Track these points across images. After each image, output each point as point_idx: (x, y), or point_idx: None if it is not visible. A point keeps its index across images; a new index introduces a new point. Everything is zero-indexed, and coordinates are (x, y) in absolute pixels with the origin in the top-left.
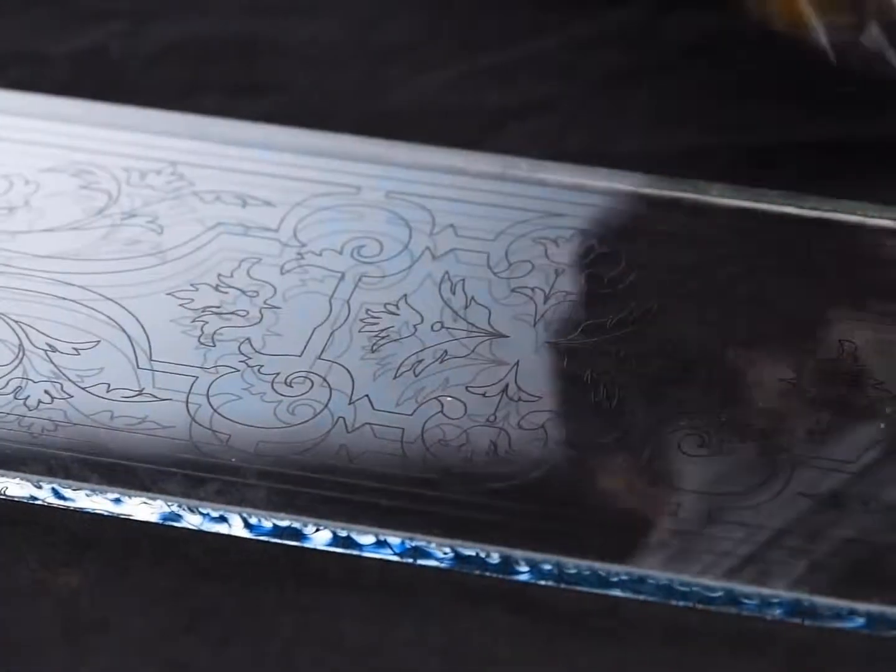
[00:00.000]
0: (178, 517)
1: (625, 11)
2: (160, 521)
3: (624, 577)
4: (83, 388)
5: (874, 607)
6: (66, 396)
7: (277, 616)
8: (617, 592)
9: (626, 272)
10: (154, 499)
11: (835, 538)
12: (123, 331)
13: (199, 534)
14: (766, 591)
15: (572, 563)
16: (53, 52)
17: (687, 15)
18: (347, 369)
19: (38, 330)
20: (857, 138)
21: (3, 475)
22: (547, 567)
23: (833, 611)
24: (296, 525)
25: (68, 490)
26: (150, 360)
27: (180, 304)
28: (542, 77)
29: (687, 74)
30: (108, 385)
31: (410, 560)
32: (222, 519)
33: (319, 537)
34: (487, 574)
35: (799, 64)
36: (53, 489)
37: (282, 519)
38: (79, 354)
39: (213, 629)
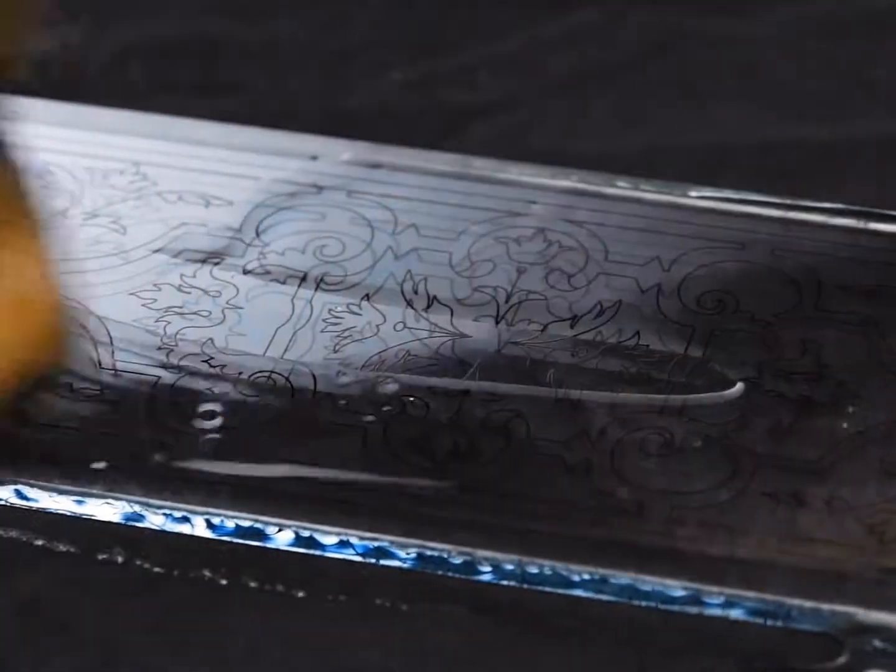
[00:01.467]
0: (140, 517)
1: (586, 11)
2: (122, 522)
3: (586, 578)
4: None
5: (838, 608)
6: None
7: (240, 616)
8: (579, 593)
9: (588, 271)
10: (116, 499)
11: (798, 538)
12: (86, 330)
13: (161, 534)
14: (728, 591)
15: (534, 564)
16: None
17: (648, 15)
18: (310, 369)
19: None
20: (818, 138)
21: None
22: (509, 567)
23: (796, 611)
24: (258, 525)
25: (31, 490)
26: (113, 359)
27: (143, 305)
28: (503, 76)
29: (648, 74)
30: (71, 384)
31: (373, 560)
32: (185, 519)
33: (282, 537)
34: (450, 574)
35: (759, 65)
36: (16, 490)
37: (244, 519)
38: None
39: (175, 630)
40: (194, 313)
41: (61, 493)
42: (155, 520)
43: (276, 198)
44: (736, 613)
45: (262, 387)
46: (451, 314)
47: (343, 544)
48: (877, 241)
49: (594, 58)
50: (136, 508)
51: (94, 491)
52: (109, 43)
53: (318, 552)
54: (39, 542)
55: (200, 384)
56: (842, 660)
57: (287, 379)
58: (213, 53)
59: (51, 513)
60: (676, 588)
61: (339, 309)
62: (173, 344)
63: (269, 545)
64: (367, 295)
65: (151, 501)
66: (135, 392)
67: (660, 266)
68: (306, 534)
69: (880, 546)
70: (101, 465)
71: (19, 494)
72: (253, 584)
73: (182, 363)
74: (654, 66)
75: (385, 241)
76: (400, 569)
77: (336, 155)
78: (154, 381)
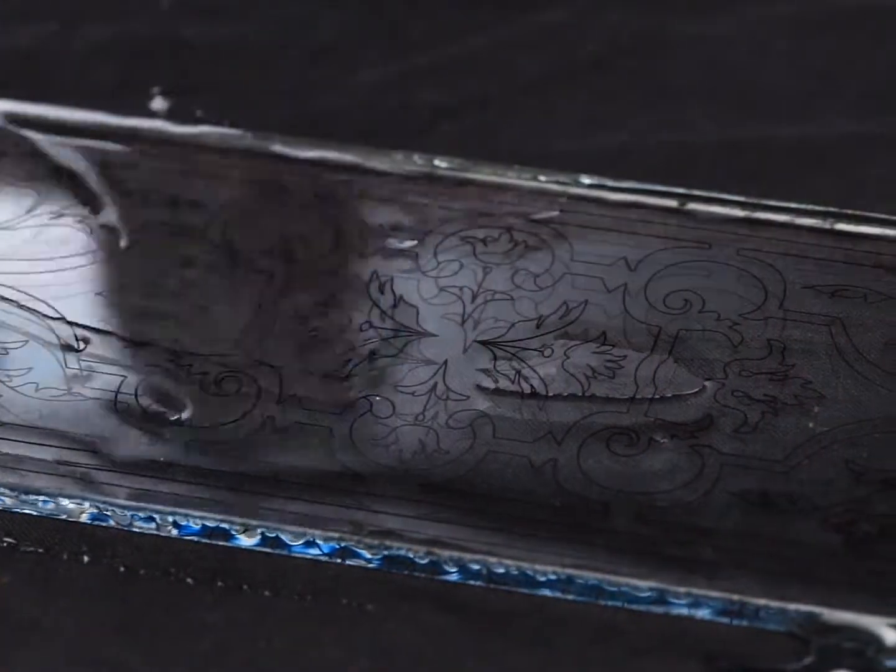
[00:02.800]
0: (106, 517)
1: (555, 12)
2: (90, 521)
3: (552, 577)
4: (11, 388)
5: (804, 608)
6: None
7: (207, 616)
8: (546, 592)
9: (554, 271)
10: (83, 498)
11: (764, 538)
12: (52, 331)
13: (128, 534)
14: (694, 590)
15: (500, 564)
16: None
17: (618, 14)
18: (276, 369)
19: None
20: (784, 138)
21: None
22: (475, 567)
23: (762, 611)
24: (224, 525)
25: None
26: (79, 359)
27: (110, 304)
28: (472, 77)
29: (617, 74)
30: (37, 384)
31: (339, 560)
32: (151, 519)
33: (248, 538)
34: (416, 574)
35: (727, 65)
36: None
37: (210, 519)
38: (7, 354)
39: (143, 629)
40: (161, 313)
41: (28, 492)
42: (121, 520)
43: (244, 198)
44: (702, 613)
45: (229, 387)
46: (417, 314)
47: (309, 544)
48: (842, 241)
49: (563, 58)
50: (102, 508)
51: (61, 490)
52: (79, 43)
53: (284, 552)
54: (6, 542)
55: (167, 384)
56: (808, 660)
57: (254, 379)
58: (182, 54)
59: (17, 513)
60: (642, 588)
61: (305, 309)
62: (140, 344)
63: (235, 545)
64: (333, 295)
65: (118, 501)
66: (102, 391)
67: (626, 266)
68: (272, 534)
69: (846, 546)
70: (68, 464)
71: None
72: (219, 584)
73: (149, 363)
74: (622, 67)
75: (352, 241)
76: (366, 569)
77: (305, 155)
78: (120, 381)
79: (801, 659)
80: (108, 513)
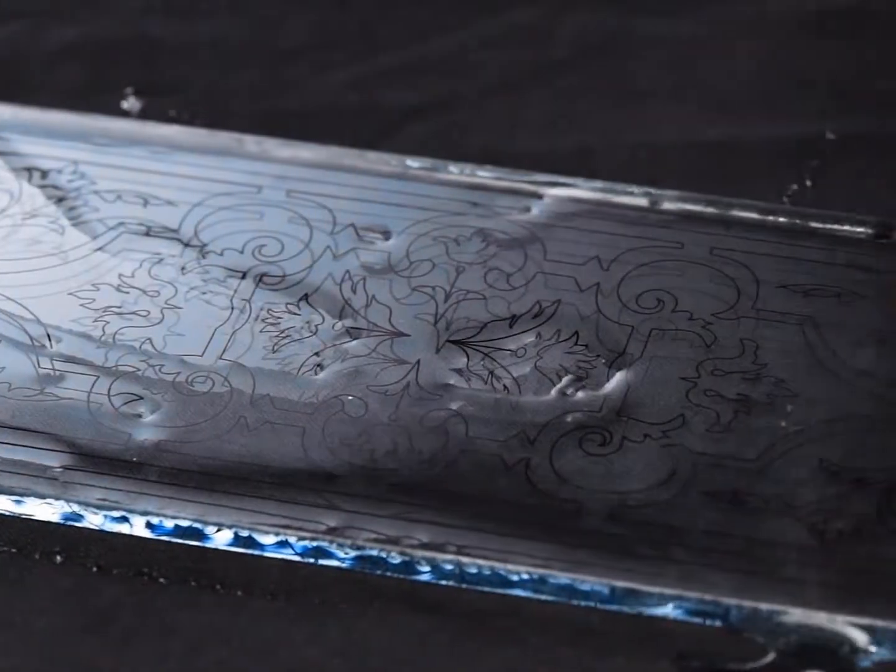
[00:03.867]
0: (79, 517)
1: (524, 12)
2: (62, 521)
3: (525, 577)
4: None
5: (777, 608)
6: None
7: (179, 616)
8: (518, 592)
9: (526, 270)
10: (56, 498)
11: (736, 537)
12: (25, 330)
13: (100, 534)
14: (666, 590)
15: (473, 563)
16: None
17: (585, 15)
18: (248, 369)
19: None
20: (755, 138)
21: None
22: (448, 567)
23: (734, 611)
24: (197, 525)
25: None
26: (52, 359)
27: (81, 304)
28: (441, 77)
29: (585, 74)
30: (10, 384)
31: (312, 560)
32: (124, 519)
33: (221, 537)
34: (389, 574)
35: (695, 65)
36: None
37: (183, 519)
38: None
39: (115, 629)
40: (133, 313)
41: (0, 492)
42: (94, 520)
43: (215, 197)
44: (674, 613)
45: (202, 387)
46: (390, 314)
47: (282, 544)
48: (814, 240)
49: (530, 58)
50: (75, 508)
51: (33, 490)
52: (50, 43)
53: (256, 552)
54: None
55: (139, 384)
56: (779, 660)
57: (226, 379)
58: (152, 54)
59: None
60: (615, 587)
61: (277, 309)
62: (112, 344)
63: (208, 545)
64: (305, 295)
65: (90, 501)
66: (74, 391)
67: (599, 265)
68: (245, 534)
69: (819, 545)
70: (41, 464)
71: None
72: (192, 584)
73: (121, 364)
74: (589, 67)
75: (324, 240)
76: (339, 568)
77: (275, 155)
78: (93, 381)
79: (773, 659)
80: (81, 513)
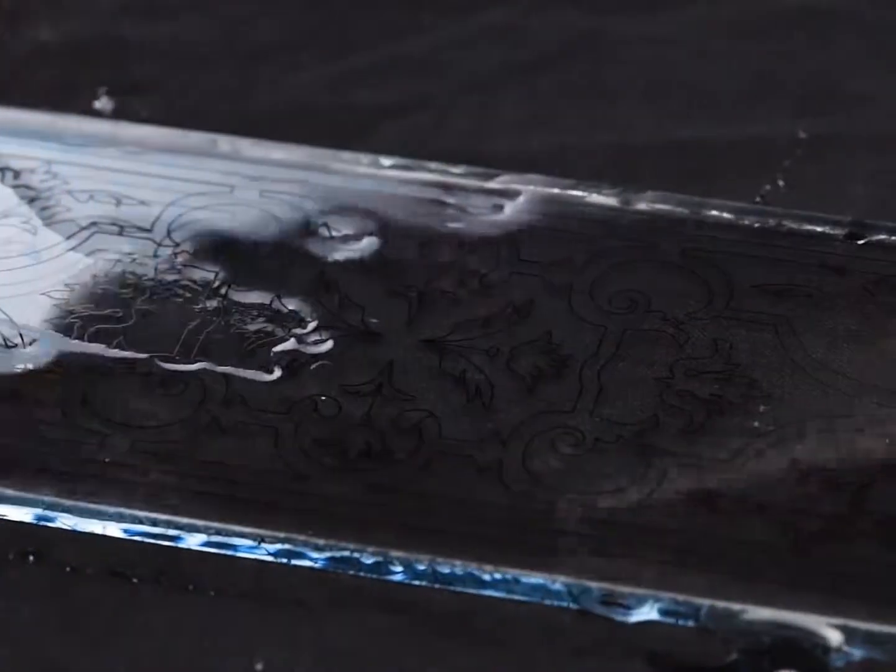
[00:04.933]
0: (52, 517)
1: (498, 11)
2: (35, 522)
3: (498, 577)
4: None
5: (751, 608)
6: None
7: (152, 616)
8: (492, 592)
9: (500, 269)
10: (28, 499)
11: (709, 537)
12: None
13: (73, 534)
14: (639, 591)
15: (446, 564)
16: None
17: (559, 15)
18: (222, 369)
19: None
20: (728, 138)
21: None
22: (421, 567)
23: (706, 611)
24: (170, 525)
25: None
26: (25, 360)
27: (55, 304)
28: (414, 76)
29: (560, 74)
30: None
31: (285, 560)
32: (96, 519)
33: (194, 538)
34: (361, 574)
35: (668, 66)
36: None
37: (156, 519)
38: None
39: (88, 629)
40: (106, 313)
41: None
42: (67, 520)
43: (188, 197)
44: (647, 613)
45: (174, 387)
46: (363, 313)
47: (255, 545)
48: (787, 240)
49: (504, 58)
50: (48, 508)
51: (6, 491)
52: (22, 44)
53: (229, 552)
54: None
55: (112, 384)
56: (753, 660)
57: (199, 380)
58: (124, 54)
59: None
60: (588, 587)
61: (251, 308)
62: (83, 343)
63: (180, 545)
64: (278, 294)
65: (63, 502)
66: (47, 393)
67: (572, 265)
68: (218, 534)
69: (792, 545)
70: (14, 465)
71: None
72: (164, 584)
73: (94, 363)
74: (563, 67)
75: (297, 240)
76: (311, 569)
77: (248, 155)
78: (66, 382)
79: (746, 659)
80: (54, 513)
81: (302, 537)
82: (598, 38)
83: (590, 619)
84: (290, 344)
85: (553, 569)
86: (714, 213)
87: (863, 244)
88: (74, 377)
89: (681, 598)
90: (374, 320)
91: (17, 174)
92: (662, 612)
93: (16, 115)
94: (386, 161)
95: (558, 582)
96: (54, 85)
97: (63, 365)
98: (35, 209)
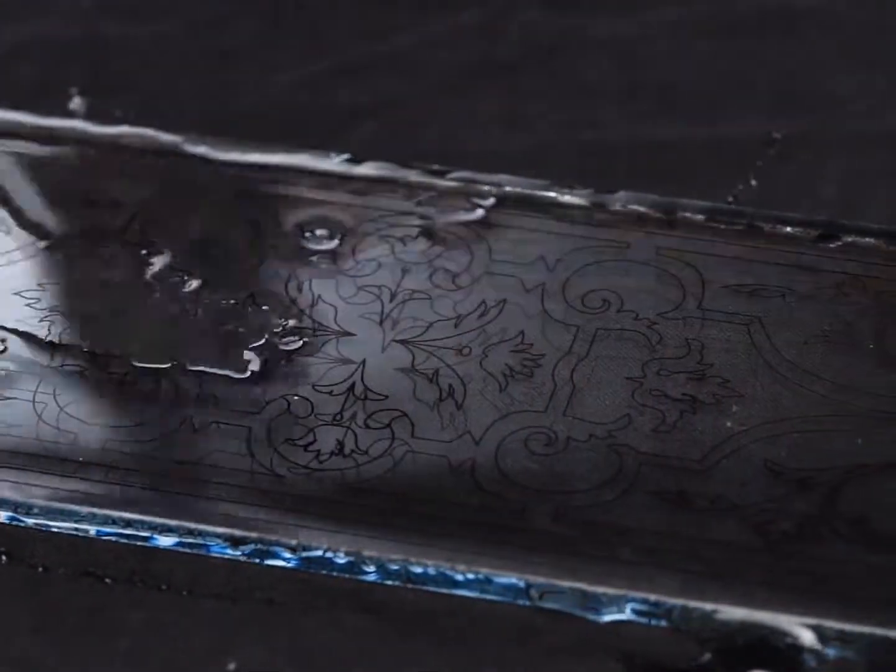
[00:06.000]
0: (25, 517)
1: (475, 11)
2: (6, 521)
3: (470, 578)
4: None
5: (723, 608)
6: None
7: (126, 616)
8: (464, 592)
9: (472, 270)
10: (1, 499)
11: (682, 537)
12: None
13: (46, 533)
14: (612, 591)
15: (419, 564)
16: None
17: (535, 16)
18: (195, 369)
19: None
20: (701, 138)
21: None
22: (394, 567)
23: (679, 611)
24: (143, 524)
25: None
26: None
27: (27, 304)
28: (392, 76)
29: (536, 74)
30: None
31: (257, 560)
32: (69, 519)
33: (166, 537)
34: (335, 574)
35: (642, 66)
36: None
37: (128, 519)
38: None
39: (61, 629)
40: (80, 313)
41: None
42: (39, 519)
43: (163, 197)
44: (620, 613)
45: (147, 387)
46: (336, 313)
47: (227, 544)
48: (759, 240)
49: (480, 57)
50: (21, 508)
51: None
52: None
53: (202, 552)
54: None
55: (85, 385)
56: (726, 659)
57: (172, 379)
58: (100, 55)
59: None
60: (560, 587)
61: (224, 308)
62: (58, 344)
63: (153, 545)
64: (252, 294)
65: (36, 501)
66: (20, 392)
67: (544, 265)
68: (191, 534)
69: (765, 545)
70: None
71: None
72: (138, 584)
73: (67, 364)
74: (539, 66)
75: (271, 240)
76: (284, 568)
77: (224, 155)
78: (38, 382)
79: (720, 659)
80: (27, 513)
81: (274, 537)
82: (572, 38)
83: (563, 619)
84: (263, 343)
85: (525, 569)
86: (687, 213)
87: (835, 244)
88: (48, 376)
89: (654, 598)
90: (347, 319)
91: None
92: (636, 612)
93: None
94: (360, 161)
95: (531, 582)
96: (29, 86)
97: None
98: (8, 210)
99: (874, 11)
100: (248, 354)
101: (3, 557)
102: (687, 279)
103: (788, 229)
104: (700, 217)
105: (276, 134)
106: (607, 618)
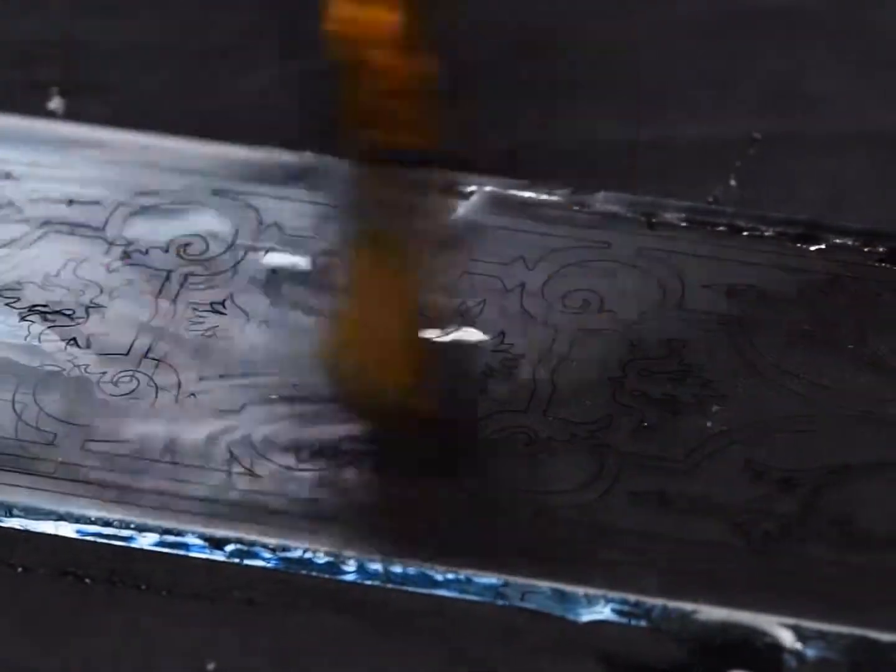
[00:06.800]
0: (3, 518)
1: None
2: None
3: (450, 578)
4: None
5: (703, 608)
6: None
7: (106, 616)
8: (443, 592)
9: (453, 269)
10: None
11: (663, 537)
12: None
13: (26, 534)
14: (592, 591)
15: (399, 563)
16: None
17: (514, 14)
18: (174, 368)
19: None
20: (683, 138)
21: None
22: (374, 567)
23: (659, 611)
24: (122, 524)
25: None
26: None
27: (6, 304)
28: None
29: (509, 76)
30: None
31: (237, 560)
32: (49, 519)
33: (146, 537)
34: (314, 574)
35: (611, 69)
36: None
37: (108, 519)
38: None
39: (41, 629)
40: (58, 312)
41: None
42: (19, 520)
43: (140, 197)
44: (600, 613)
45: (126, 386)
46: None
47: (207, 545)
48: (739, 240)
49: (461, 57)
50: (1, 510)
51: None
52: None
53: (181, 552)
54: None
55: (64, 384)
56: (706, 659)
57: (150, 378)
58: (75, 55)
59: None
60: (540, 587)
61: (202, 308)
62: (36, 343)
63: (133, 545)
64: (230, 294)
65: (15, 502)
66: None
67: (524, 265)
68: (170, 533)
69: (746, 545)
70: None
71: None
72: (118, 584)
73: (45, 364)
74: (521, 65)
75: (249, 240)
76: (264, 568)
77: (200, 154)
78: (16, 384)
79: (699, 659)
80: (7, 514)
81: (254, 537)
82: (556, 37)
83: (543, 619)
84: (241, 342)
85: (506, 569)
86: (667, 213)
87: (815, 245)
88: (27, 377)
89: (634, 598)
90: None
91: None
92: (616, 612)
93: None
94: (339, 161)
95: (511, 582)
96: (7, 86)
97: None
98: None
99: (854, 11)
100: (228, 354)
101: None
102: (667, 279)
103: (768, 229)
104: (680, 217)
105: (250, 134)
106: (587, 618)
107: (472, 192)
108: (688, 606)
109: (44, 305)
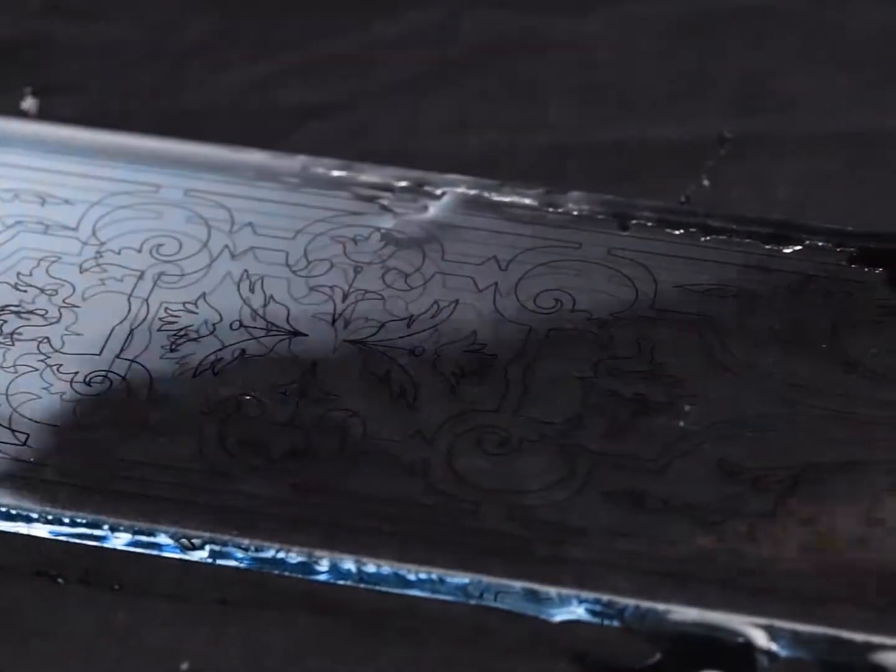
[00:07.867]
0: None
1: (426, 11)
2: None
3: (423, 577)
4: None
5: (676, 608)
6: None
7: (78, 616)
8: (416, 592)
9: (424, 270)
10: None
11: (635, 537)
12: None
13: None
14: (564, 591)
15: (371, 563)
16: None
17: (487, 15)
18: (146, 368)
19: None
20: (654, 138)
21: None
22: (346, 567)
23: (631, 611)
24: (95, 525)
25: None
26: None
27: None
28: (342, 77)
29: (488, 74)
30: None
31: (210, 560)
32: (21, 519)
33: (119, 537)
34: (287, 574)
35: (588, 70)
36: None
37: (81, 519)
38: None
39: (14, 629)
40: (31, 312)
41: None
42: None
43: (113, 196)
44: (572, 613)
45: (99, 386)
46: (288, 313)
47: (180, 545)
48: (711, 240)
49: (433, 58)
50: None
51: None
52: None
53: (155, 552)
54: None
55: (36, 384)
56: (678, 660)
57: (123, 378)
58: (49, 54)
59: None
60: (513, 588)
61: (175, 308)
62: (9, 343)
63: (106, 545)
64: (203, 294)
65: None
66: None
67: (497, 265)
68: (143, 534)
69: (718, 545)
70: None
71: None
72: (91, 584)
73: (19, 363)
74: (493, 66)
75: (222, 239)
76: (237, 568)
77: (173, 154)
78: None
79: (672, 659)
80: None
81: (226, 537)
82: (527, 38)
83: (515, 619)
84: (214, 343)
85: (478, 569)
86: (639, 213)
87: (788, 244)
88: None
89: (606, 598)
90: (299, 320)
91: None
92: (588, 612)
93: None
94: (311, 161)
95: (483, 582)
96: None
97: None
98: None
99: (826, 11)
100: (200, 354)
101: None
102: (639, 279)
103: (740, 229)
104: (652, 216)
105: (226, 133)
106: (559, 618)
107: (443, 193)
108: (660, 606)
109: (16, 305)
